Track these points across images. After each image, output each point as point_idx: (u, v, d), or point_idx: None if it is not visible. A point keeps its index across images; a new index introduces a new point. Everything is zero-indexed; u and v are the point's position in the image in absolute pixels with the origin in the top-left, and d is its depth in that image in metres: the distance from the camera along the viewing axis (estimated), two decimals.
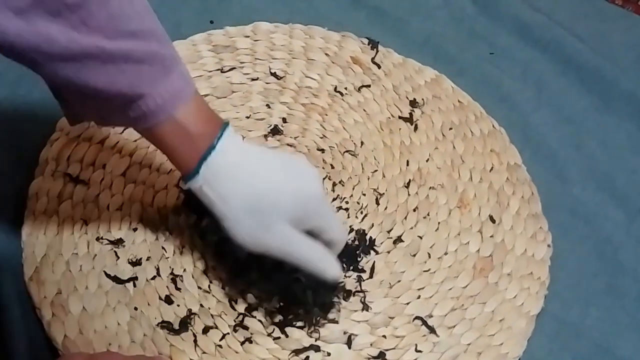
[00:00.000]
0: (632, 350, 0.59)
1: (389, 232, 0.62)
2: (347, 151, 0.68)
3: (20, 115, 0.66)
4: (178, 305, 0.55)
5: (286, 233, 0.52)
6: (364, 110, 0.72)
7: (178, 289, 0.56)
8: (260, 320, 0.55)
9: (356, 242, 0.61)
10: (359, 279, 0.59)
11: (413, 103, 0.72)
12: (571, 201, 0.68)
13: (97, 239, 0.57)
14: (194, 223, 0.59)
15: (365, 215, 0.63)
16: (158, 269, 0.57)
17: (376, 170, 0.67)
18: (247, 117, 0.69)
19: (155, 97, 0.48)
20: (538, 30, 0.83)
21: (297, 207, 0.52)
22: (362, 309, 0.57)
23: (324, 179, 0.65)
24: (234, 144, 0.51)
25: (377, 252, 0.61)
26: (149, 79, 0.47)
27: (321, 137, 0.69)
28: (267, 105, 0.70)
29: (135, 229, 0.59)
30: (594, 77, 0.79)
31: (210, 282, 0.57)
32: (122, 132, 0.65)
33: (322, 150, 0.68)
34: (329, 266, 0.54)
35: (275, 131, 0.68)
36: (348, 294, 0.58)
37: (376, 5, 0.84)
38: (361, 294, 0.58)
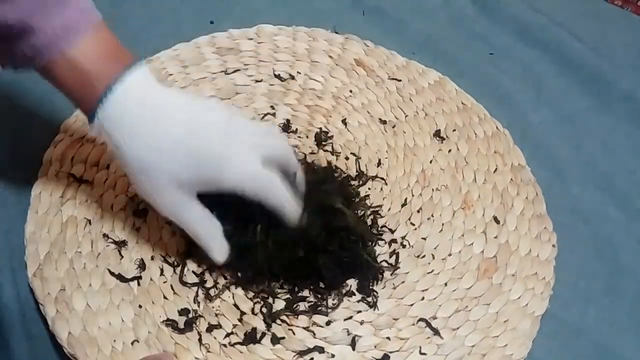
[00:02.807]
0: (632, 350, 0.59)
1: (392, 232, 0.62)
2: (351, 153, 0.68)
3: (23, 116, 0.66)
4: (182, 304, 0.55)
5: (175, 200, 0.48)
6: (368, 112, 0.72)
7: (182, 287, 0.56)
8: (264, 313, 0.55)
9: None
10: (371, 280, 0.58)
11: (416, 106, 0.72)
12: (571, 201, 0.68)
13: (102, 236, 0.57)
14: None
15: (370, 215, 0.63)
16: (162, 269, 0.57)
17: (380, 172, 0.67)
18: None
19: (46, 30, 0.44)
20: (538, 31, 0.84)
21: (192, 169, 0.47)
22: (371, 307, 0.57)
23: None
24: (140, 87, 0.47)
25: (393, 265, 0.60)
26: (39, 11, 0.44)
27: (325, 139, 0.69)
28: (272, 106, 0.70)
29: (138, 229, 0.59)
30: (593, 77, 0.79)
31: (215, 280, 0.56)
32: None
33: (326, 152, 0.68)
34: (214, 247, 0.51)
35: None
36: (360, 288, 0.58)
37: (376, 5, 0.84)
38: (372, 293, 0.58)
